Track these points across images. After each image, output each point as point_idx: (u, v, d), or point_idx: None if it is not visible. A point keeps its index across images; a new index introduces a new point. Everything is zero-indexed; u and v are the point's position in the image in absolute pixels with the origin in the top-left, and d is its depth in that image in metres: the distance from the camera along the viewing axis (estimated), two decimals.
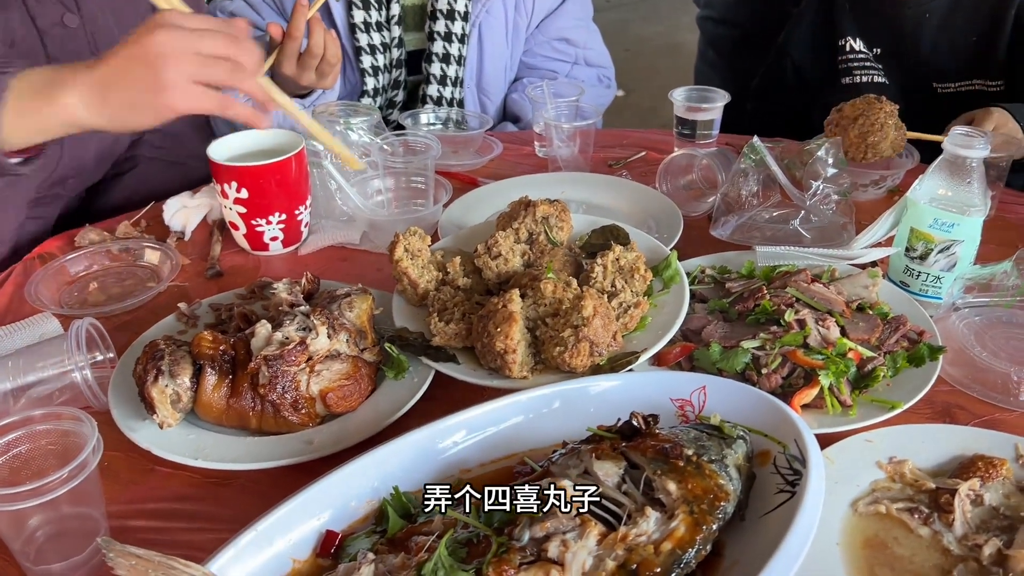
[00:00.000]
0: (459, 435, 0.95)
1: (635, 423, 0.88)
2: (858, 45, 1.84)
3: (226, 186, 1.34)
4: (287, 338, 1.00)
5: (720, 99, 1.64)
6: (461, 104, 1.97)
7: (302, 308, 1.06)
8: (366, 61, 1.86)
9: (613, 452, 0.86)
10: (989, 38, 1.70)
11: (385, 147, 1.50)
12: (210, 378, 0.98)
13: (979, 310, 1.16)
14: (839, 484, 0.92)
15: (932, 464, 0.94)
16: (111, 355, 1.12)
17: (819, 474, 0.83)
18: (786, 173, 1.34)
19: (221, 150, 1.37)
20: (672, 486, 0.80)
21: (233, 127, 1.41)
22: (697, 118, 1.63)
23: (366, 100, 1.89)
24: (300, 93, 1.60)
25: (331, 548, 0.84)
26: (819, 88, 1.93)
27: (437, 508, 0.84)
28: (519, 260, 1.18)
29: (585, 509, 0.80)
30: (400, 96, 1.98)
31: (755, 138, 1.36)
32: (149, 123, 1.06)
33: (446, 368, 1.07)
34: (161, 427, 0.97)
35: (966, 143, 1.11)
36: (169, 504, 0.95)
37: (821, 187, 1.28)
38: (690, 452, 0.84)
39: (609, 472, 0.84)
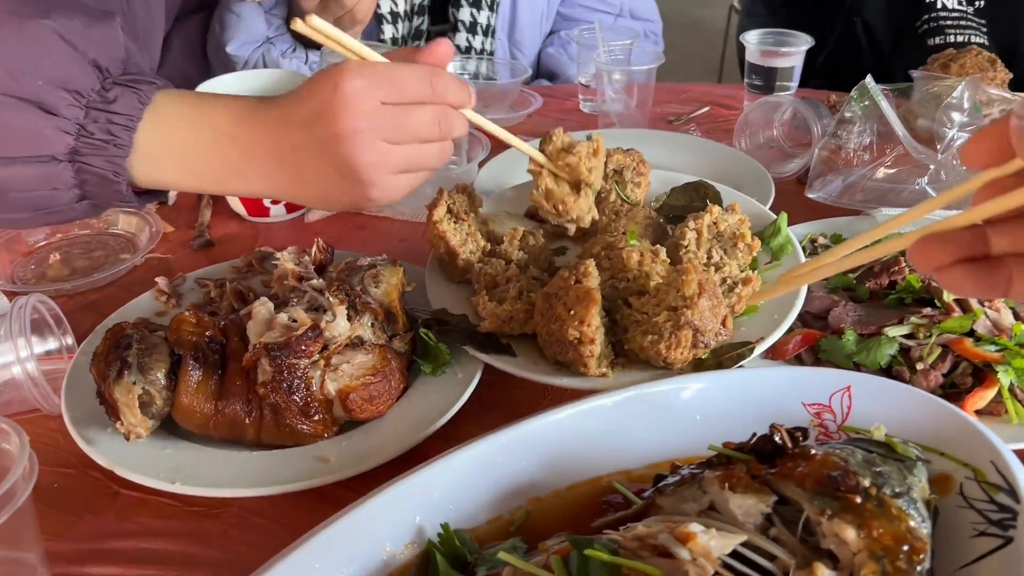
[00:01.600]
0: (523, 451, 0.71)
1: (777, 439, 0.64)
2: (952, 1, 1.60)
3: None
4: (294, 321, 0.76)
5: (802, 43, 1.38)
6: (492, 57, 1.72)
7: (314, 283, 0.82)
8: (384, 5, 1.60)
9: (753, 481, 0.61)
10: None
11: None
12: (193, 373, 0.74)
13: None
14: None
15: None
16: (69, 342, 0.88)
17: None
18: (904, 123, 1.09)
19: (212, 87, 1.12)
20: (850, 533, 0.56)
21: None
22: (775, 64, 1.38)
23: None
24: None
25: None
26: (900, 57, 1.68)
27: (508, 559, 0.60)
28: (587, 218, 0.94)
29: (724, 566, 0.56)
30: (425, 23, 1.72)
31: (868, 79, 1.10)
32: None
33: (499, 362, 0.82)
34: (128, 438, 0.73)
35: None
36: (137, 542, 0.71)
37: (956, 137, 1.03)
38: (867, 482, 0.59)
39: (750, 511, 0.60)
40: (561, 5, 1.81)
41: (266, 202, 1.16)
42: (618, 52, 1.41)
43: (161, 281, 0.96)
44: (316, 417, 0.75)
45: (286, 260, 0.88)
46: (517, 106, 1.51)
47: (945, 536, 0.64)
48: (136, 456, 0.74)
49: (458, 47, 1.68)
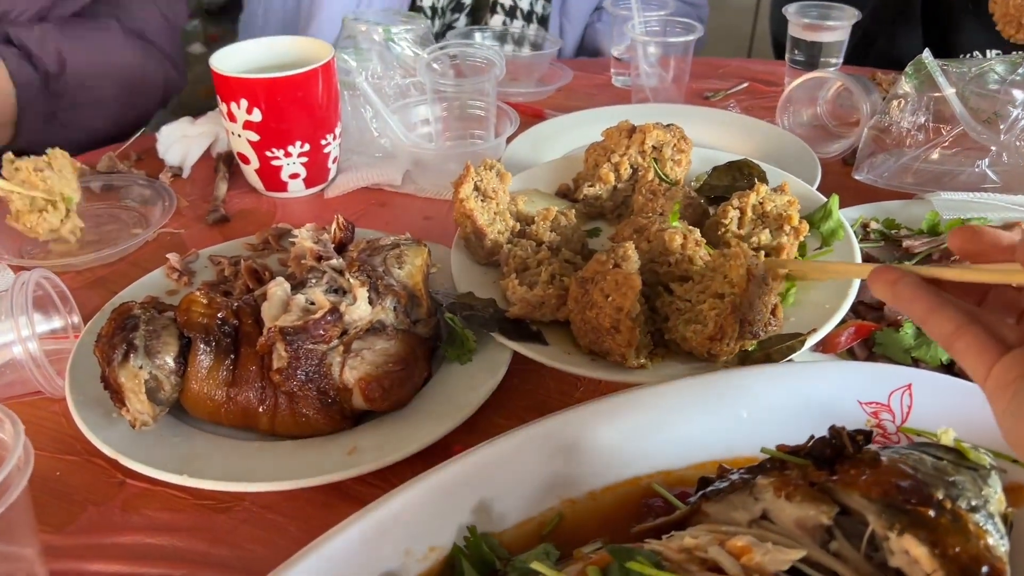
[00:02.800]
0: (555, 448, 0.66)
1: (835, 443, 0.58)
2: None
3: (234, 105, 1.04)
4: (312, 303, 0.71)
5: (847, 17, 1.31)
6: (544, 23, 1.63)
7: (333, 262, 0.77)
8: None
9: (811, 490, 0.56)
10: None
11: (434, 65, 1.19)
12: (203, 358, 0.69)
13: None
14: None
15: None
16: (75, 321, 0.83)
17: None
18: (962, 101, 1.02)
19: (228, 60, 1.07)
20: (923, 551, 0.50)
21: None
22: (820, 39, 1.31)
23: None
24: None
25: None
26: (960, 28, 1.57)
27: (540, 568, 0.54)
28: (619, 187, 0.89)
29: None
30: (461, 20, 1.65)
31: (925, 53, 1.03)
32: None
33: (529, 350, 0.77)
34: (134, 426, 0.69)
35: None
36: (142, 537, 0.66)
37: (1020, 116, 0.96)
38: (940, 494, 0.53)
39: (809, 522, 0.55)
40: None
41: (284, 176, 1.10)
42: (654, 23, 1.34)
43: (173, 258, 0.91)
44: (334, 407, 0.70)
45: (304, 238, 0.83)
46: (546, 80, 1.45)
47: (1019, 552, 0.58)
48: (143, 445, 0.69)
49: (501, 6, 1.60)
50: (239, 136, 1.07)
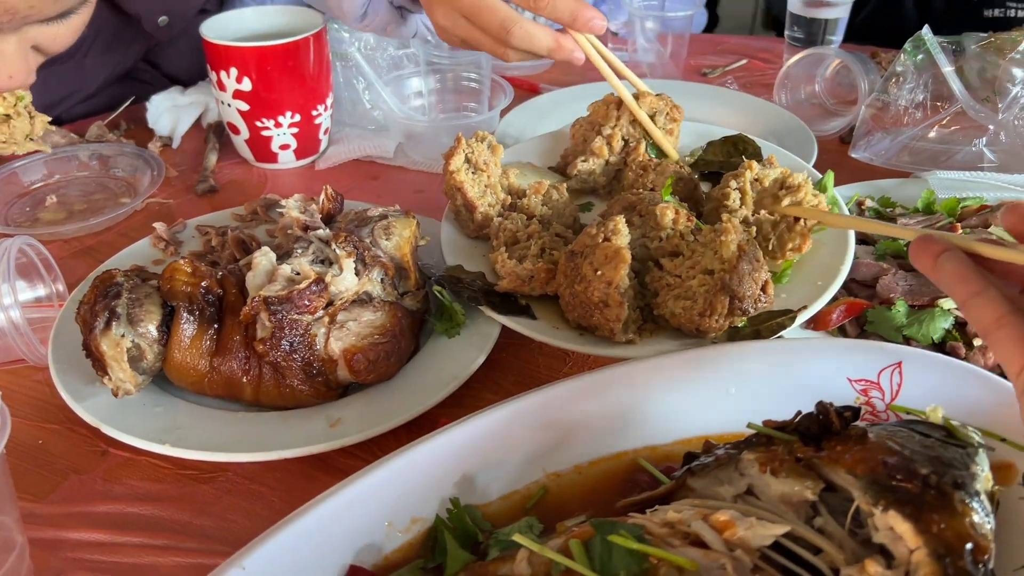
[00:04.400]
0: (542, 421, 0.65)
1: (824, 420, 0.58)
2: None
3: (223, 74, 1.03)
4: (298, 273, 0.70)
5: None
6: None
7: (320, 233, 0.76)
8: None
9: (797, 465, 0.55)
10: None
11: (428, 37, 1.18)
12: (187, 327, 0.69)
13: None
14: None
15: None
16: (60, 289, 0.82)
17: None
18: (961, 79, 1.01)
19: (218, 28, 1.05)
20: (907, 528, 0.50)
21: None
22: (820, 15, 1.29)
23: None
24: None
25: None
26: (948, 20, 1.56)
27: (521, 540, 0.54)
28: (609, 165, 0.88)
29: (763, 558, 0.50)
30: None
31: (925, 29, 1.02)
32: None
33: (517, 324, 0.76)
34: (116, 395, 0.68)
35: None
36: (124, 507, 0.66)
37: (1020, 94, 0.95)
38: (926, 471, 0.53)
39: (794, 497, 0.54)
40: None
41: (274, 147, 1.09)
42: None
43: (159, 227, 0.90)
44: (319, 378, 0.70)
45: (292, 208, 0.81)
46: None
47: (1005, 531, 0.58)
48: (125, 414, 0.69)
49: None
50: (229, 105, 1.06)
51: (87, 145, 1.12)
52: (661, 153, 0.93)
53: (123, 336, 0.67)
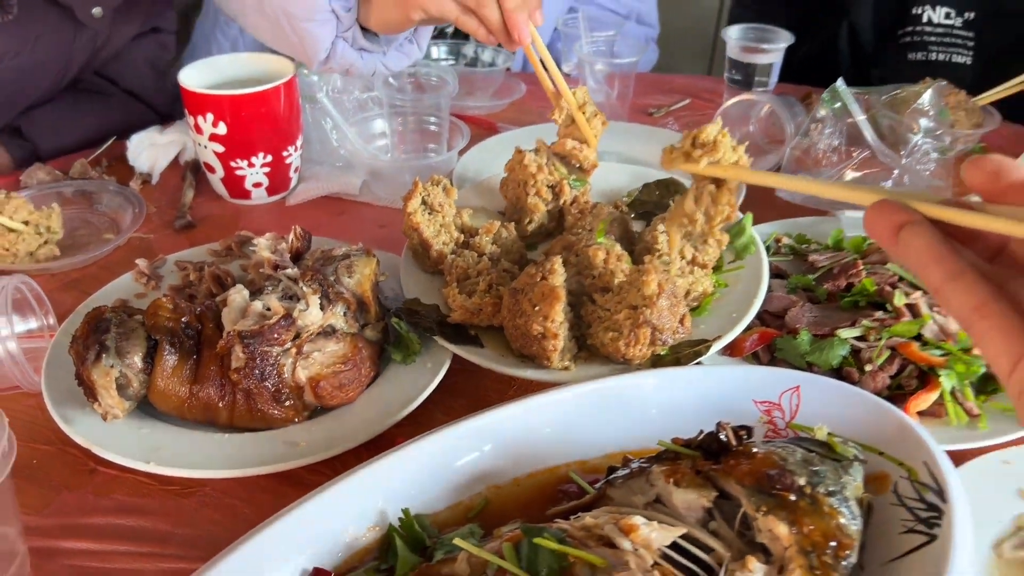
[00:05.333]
0: (485, 440, 0.74)
1: (723, 437, 0.67)
2: (938, 15, 1.60)
3: (200, 119, 1.12)
4: (268, 309, 0.79)
5: (782, 40, 1.41)
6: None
7: (289, 271, 0.84)
8: None
9: (697, 477, 0.65)
10: None
11: (391, 81, 1.27)
12: (168, 358, 0.77)
13: None
14: (976, 519, 0.71)
15: None
16: (50, 322, 0.90)
17: (965, 512, 0.63)
18: (873, 126, 1.12)
19: (195, 76, 1.14)
20: (782, 529, 0.60)
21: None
22: (754, 61, 1.40)
23: None
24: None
25: None
26: (878, 66, 1.68)
27: (462, 544, 0.63)
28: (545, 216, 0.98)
29: (664, 557, 0.60)
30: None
31: (839, 82, 1.13)
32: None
33: (467, 352, 0.86)
34: (105, 419, 0.76)
35: None
36: (112, 519, 0.74)
37: (919, 142, 1.06)
38: (802, 481, 0.63)
39: (692, 505, 0.64)
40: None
41: (248, 185, 1.18)
42: (601, 43, 1.43)
43: (141, 263, 0.98)
44: (287, 403, 0.78)
45: (263, 248, 0.90)
46: (501, 93, 1.53)
47: (877, 531, 0.67)
48: (113, 436, 0.77)
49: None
50: (205, 147, 1.14)
51: (71, 181, 1.20)
52: (580, 180, 1.03)
53: (112, 367, 0.75)
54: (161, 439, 0.77)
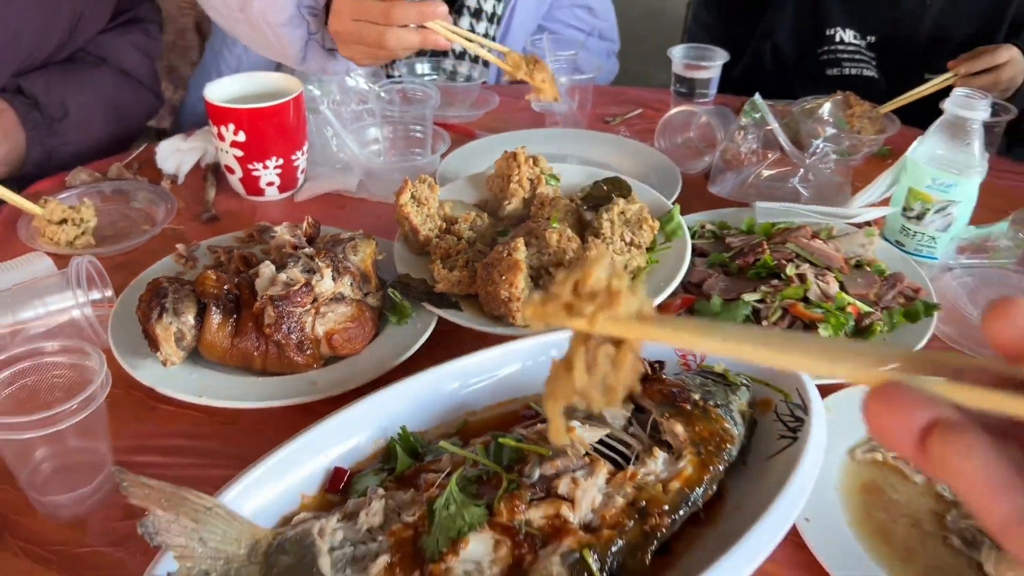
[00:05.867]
0: (464, 379, 0.95)
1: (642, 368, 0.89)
2: (848, 36, 1.83)
3: (223, 128, 1.32)
4: (292, 279, 1.00)
5: (719, 58, 1.63)
6: (498, 21, 1.92)
7: (306, 250, 1.06)
8: None
9: None
10: (987, 35, 1.69)
11: (382, 95, 1.49)
12: (215, 317, 0.98)
13: (972, 270, 1.19)
14: (837, 432, 0.93)
15: None
16: (109, 294, 1.11)
17: (821, 420, 0.85)
18: (786, 132, 1.35)
19: (218, 92, 1.35)
20: (679, 428, 0.82)
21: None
22: (695, 76, 1.63)
23: None
24: None
25: (340, 484, 0.85)
26: (801, 79, 1.92)
27: (446, 447, 0.84)
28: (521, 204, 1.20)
29: (594, 449, 0.81)
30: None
31: (756, 96, 1.36)
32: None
33: (449, 314, 1.07)
34: (165, 365, 0.97)
35: (967, 104, 1.12)
36: (174, 441, 0.95)
37: (821, 146, 1.29)
38: (696, 396, 0.85)
39: (616, 415, 0.86)
40: (543, 19, 2.03)
41: (262, 184, 1.39)
42: (563, 61, 1.65)
43: (180, 247, 1.19)
44: (308, 352, 0.99)
45: (283, 232, 1.11)
46: (478, 104, 1.75)
47: (759, 440, 0.89)
48: (171, 378, 0.98)
49: (470, 10, 1.87)
50: (226, 152, 1.35)
51: (109, 182, 1.40)
52: (554, 178, 1.25)
53: (170, 323, 0.96)
54: (209, 380, 0.98)
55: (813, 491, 0.83)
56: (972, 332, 1.10)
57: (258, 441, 0.94)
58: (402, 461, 0.87)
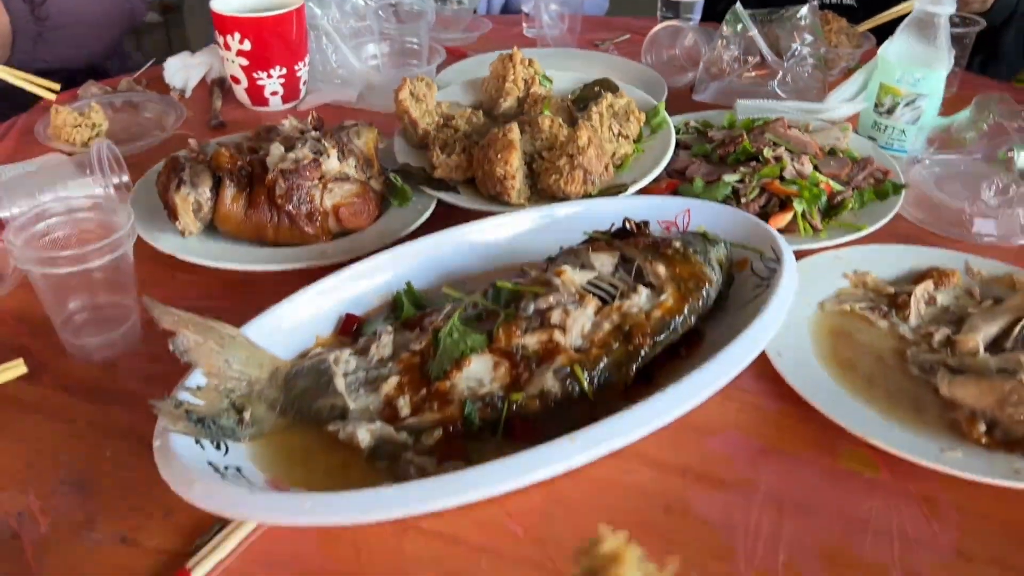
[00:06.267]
0: (463, 245, 1.02)
1: (628, 227, 0.97)
2: None
3: (229, 38, 1.39)
4: (301, 156, 1.06)
5: None
6: None
7: (313, 134, 1.12)
8: None
9: (608, 246, 0.94)
10: None
11: (379, 12, 1.55)
12: (229, 190, 1.05)
13: (940, 161, 1.26)
14: (808, 289, 1.01)
15: (892, 276, 1.04)
16: (126, 179, 1.17)
17: (791, 265, 0.92)
18: (765, 40, 1.42)
19: (224, 3, 1.41)
20: (661, 269, 0.89)
21: None
22: (680, 0, 1.70)
23: None
24: None
25: (351, 328, 0.92)
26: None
27: (448, 292, 0.92)
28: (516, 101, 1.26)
29: (583, 289, 0.89)
30: None
31: (738, 4, 1.43)
32: None
33: (448, 196, 1.14)
34: (183, 234, 1.04)
35: (935, 0, 1.19)
36: (194, 302, 1.00)
37: (798, 49, 1.36)
38: (678, 244, 0.92)
39: (605, 261, 0.93)
40: None
41: (267, 94, 1.45)
42: None
43: (192, 142, 1.25)
44: (317, 223, 1.06)
45: (292, 122, 1.18)
46: (470, 28, 1.81)
47: (736, 293, 0.96)
48: (189, 247, 1.04)
49: None
50: (232, 61, 1.41)
51: (120, 94, 1.47)
52: (547, 80, 1.32)
53: (188, 194, 1.03)
54: (224, 248, 1.05)
55: (785, 332, 0.91)
56: (939, 214, 1.17)
57: (272, 303, 1.01)
58: (407, 311, 0.94)
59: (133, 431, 0.83)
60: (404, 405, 0.80)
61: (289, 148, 1.09)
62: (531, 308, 0.86)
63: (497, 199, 1.13)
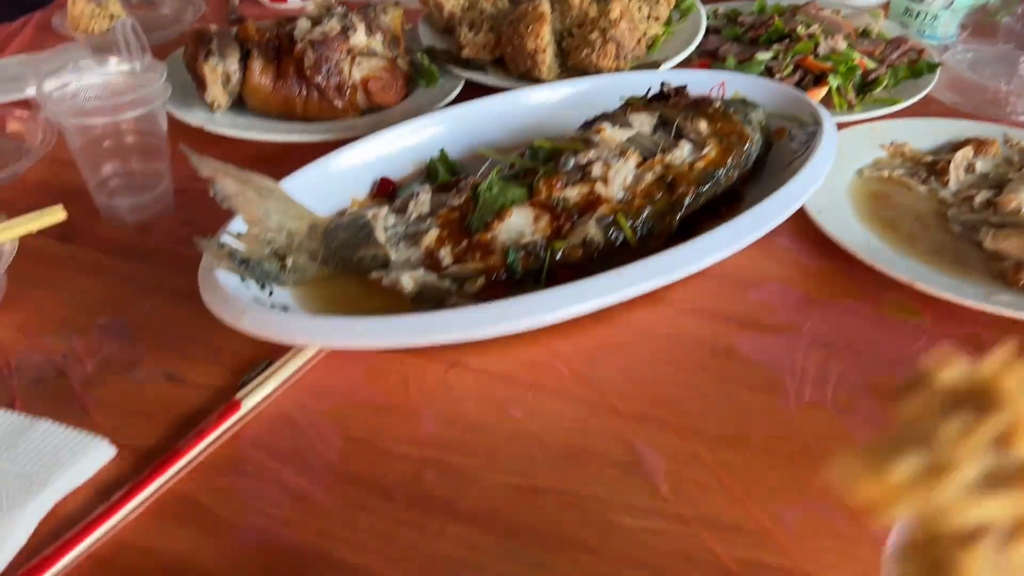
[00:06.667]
0: (495, 116, 1.00)
1: (665, 91, 0.95)
2: None
3: None
4: (329, 29, 1.04)
5: None
6: None
7: (339, 9, 1.10)
8: None
9: (647, 107, 0.93)
10: None
11: None
12: (257, 61, 1.03)
13: (972, 48, 1.24)
14: (845, 159, 0.99)
15: (929, 147, 1.03)
16: (148, 60, 1.15)
17: (831, 127, 0.91)
18: None
19: None
20: (703, 125, 0.88)
21: None
22: None
23: None
24: None
25: (386, 191, 0.91)
26: None
27: (485, 151, 0.91)
28: None
29: (623, 145, 0.88)
30: None
31: None
32: None
33: (476, 75, 1.12)
34: (212, 108, 1.02)
35: None
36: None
37: None
38: (718, 104, 0.91)
39: (644, 121, 0.91)
40: None
41: None
42: None
43: (214, 27, 1.23)
44: (346, 96, 1.05)
45: (317, 2, 1.16)
46: None
47: (775, 158, 0.95)
48: (218, 120, 1.03)
49: None
50: None
51: None
52: None
53: (216, 65, 1.01)
54: (254, 121, 1.04)
55: (824, 195, 0.90)
56: (974, 95, 1.16)
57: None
58: (442, 176, 0.93)
59: (170, 285, 0.83)
60: (446, 255, 0.79)
61: (316, 22, 1.07)
62: (571, 163, 0.85)
63: (527, 76, 1.11)
